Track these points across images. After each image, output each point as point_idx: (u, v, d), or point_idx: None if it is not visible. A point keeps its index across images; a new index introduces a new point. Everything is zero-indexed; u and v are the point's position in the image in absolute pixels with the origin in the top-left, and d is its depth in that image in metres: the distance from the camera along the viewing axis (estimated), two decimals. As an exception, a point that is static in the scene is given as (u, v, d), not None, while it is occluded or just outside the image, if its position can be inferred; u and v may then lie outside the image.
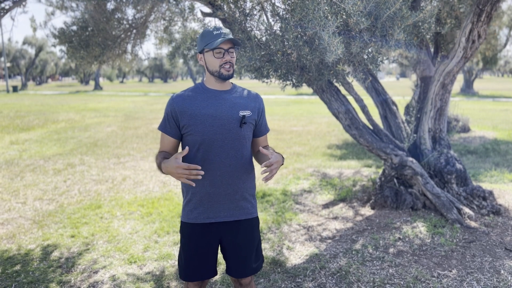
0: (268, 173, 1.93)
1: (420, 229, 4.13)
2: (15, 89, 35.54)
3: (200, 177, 1.88)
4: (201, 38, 2.08)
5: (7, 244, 4.03)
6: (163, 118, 2.13)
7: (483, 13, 4.04)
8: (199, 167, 1.85)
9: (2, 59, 37.71)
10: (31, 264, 3.60)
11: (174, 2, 4.60)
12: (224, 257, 2.20)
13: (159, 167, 2.02)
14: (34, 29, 4.90)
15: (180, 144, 2.17)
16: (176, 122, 2.08)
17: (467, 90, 28.78)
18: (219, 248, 2.20)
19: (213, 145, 2.03)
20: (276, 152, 2.05)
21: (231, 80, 2.19)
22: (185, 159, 2.08)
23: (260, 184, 6.04)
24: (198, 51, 2.11)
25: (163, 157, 2.04)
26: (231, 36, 2.04)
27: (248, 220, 2.15)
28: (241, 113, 2.07)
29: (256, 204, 2.22)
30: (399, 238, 3.95)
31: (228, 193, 2.08)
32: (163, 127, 2.12)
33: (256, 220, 2.21)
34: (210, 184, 2.06)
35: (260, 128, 2.20)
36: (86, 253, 3.81)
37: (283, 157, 2.07)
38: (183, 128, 2.07)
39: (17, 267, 3.54)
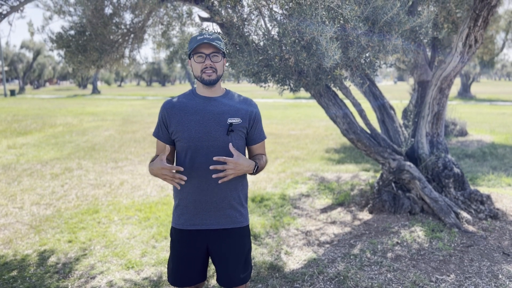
0: (222, 171, 1.93)
1: (418, 233, 4.13)
2: (12, 93, 35.48)
3: (183, 182, 1.89)
4: (188, 44, 2.08)
5: (4, 250, 4.01)
6: (156, 124, 2.15)
7: (479, 18, 4.05)
8: (182, 169, 1.87)
9: (0, 63, 37.67)
10: (28, 270, 3.58)
11: (171, 7, 4.61)
12: (214, 264, 2.18)
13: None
14: (32, 34, 4.90)
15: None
16: (166, 128, 2.08)
17: (465, 93, 28.90)
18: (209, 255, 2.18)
19: (199, 152, 2.01)
20: (253, 159, 2.08)
21: (226, 86, 2.17)
22: (175, 164, 2.11)
23: (258, 188, 6.03)
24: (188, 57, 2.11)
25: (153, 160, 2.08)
26: (215, 40, 2.00)
27: (236, 229, 2.11)
28: (229, 120, 2.03)
29: (247, 213, 2.18)
30: (397, 242, 3.95)
31: (215, 201, 2.05)
32: (156, 133, 2.15)
33: (245, 229, 2.16)
34: (196, 191, 2.04)
35: (253, 136, 2.14)
36: (83, 258, 3.79)
37: (256, 167, 2.05)
38: (172, 134, 2.07)
39: (14, 273, 3.52)
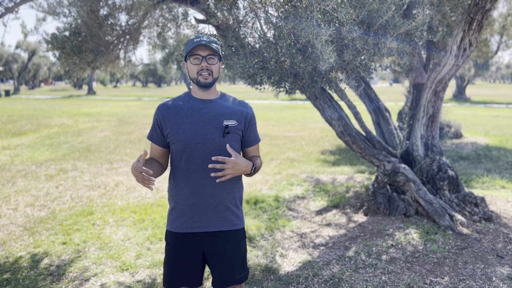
0: (220, 169, 1.94)
1: (412, 235, 4.14)
2: (7, 93, 35.30)
3: (152, 187, 1.88)
4: (185, 46, 2.08)
5: (-3, 252, 3.99)
6: (151, 127, 2.14)
7: (474, 22, 4.08)
8: (151, 172, 1.84)
9: (-5, 63, 37.48)
10: (21, 272, 3.55)
11: (167, 9, 4.61)
12: (209, 268, 2.17)
13: None
14: (25, 35, 4.88)
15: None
16: (161, 131, 2.08)
17: (460, 96, 29.07)
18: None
19: (194, 154, 2.01)
20: (249, 160, 2.07)
21: (222, 88, 2.17)
22: (170, 168, 2.11)
23: (253, 190, 6.03)
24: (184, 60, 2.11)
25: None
26: (212, 43, 2.00)
27: (232, 231, 2.11)
28: (225, 122, 2.03)
29: (242, 215, 2.19)
30: (392, 245, 3.96)
31: (211, 204, 2.05)
32: (150, 136, 2.13)
33: (241, 231, 2.16)
34: (192, 194, 2.04)
35: (248, 139, 2.15)
36: (78, 261, 3.77)
37: (254, 168, 2.06)
38: (167, 137, 2.06)
39: (7, 275, 3.50)
